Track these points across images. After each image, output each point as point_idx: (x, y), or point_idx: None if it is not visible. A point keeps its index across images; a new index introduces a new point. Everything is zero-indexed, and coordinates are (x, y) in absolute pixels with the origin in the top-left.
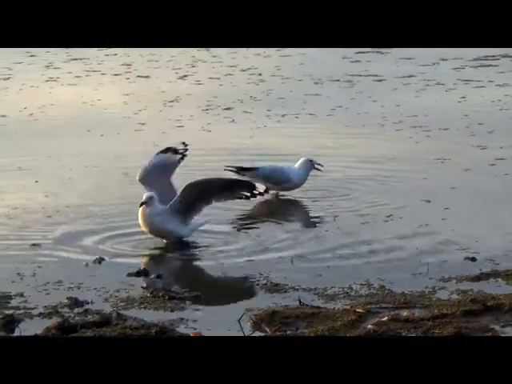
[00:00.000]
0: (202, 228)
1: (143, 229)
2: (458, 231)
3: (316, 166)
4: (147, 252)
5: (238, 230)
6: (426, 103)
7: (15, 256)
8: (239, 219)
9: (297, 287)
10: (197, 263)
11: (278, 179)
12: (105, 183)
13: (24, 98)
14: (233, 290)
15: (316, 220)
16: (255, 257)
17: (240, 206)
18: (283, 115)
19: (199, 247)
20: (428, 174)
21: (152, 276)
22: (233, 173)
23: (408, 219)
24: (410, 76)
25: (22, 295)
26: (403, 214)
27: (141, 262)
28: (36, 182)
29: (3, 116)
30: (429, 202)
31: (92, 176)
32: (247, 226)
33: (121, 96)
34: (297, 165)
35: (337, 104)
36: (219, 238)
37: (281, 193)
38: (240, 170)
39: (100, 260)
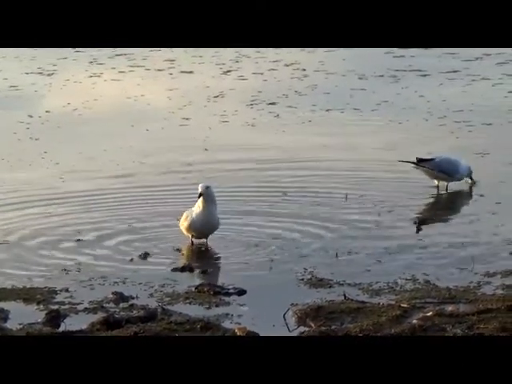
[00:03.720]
0: (246, 223)
1: (191, 228)
2: (506, 226)
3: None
4: (191, 248)
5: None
6: (471, 98)
7: (60, 251)
8: (283, 214)
9: (342, 282)
10: (241, 259)
11: (450, 170)
12: (151, 178)
13: (68, 93)
14: (278, 284)
15: (360, 215)
16: (300, 251)
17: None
18: (328, 110)
19: (242, 243)
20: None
21: (197, 271)
22: (411, 164)
23: (459, 214)
24: (454, 71)
25: (67, 290)
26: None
27: (185, 258)
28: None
29: (47, 111)
30: (482, 196)
31: (139, 172)
32: (290, 221)
33: (164, 91)
34: (461, 158)
35: (382, 99)
36: (263, 233)
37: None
38: (419, 161)
39: (145, 255)
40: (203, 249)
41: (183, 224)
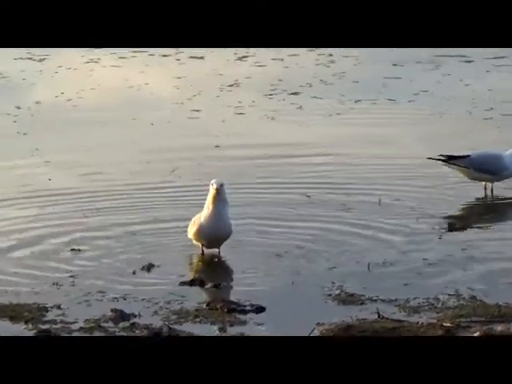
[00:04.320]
0: (264, 229)
1: (200, 234)
2: None
3: None
4: (201, 258)
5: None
6: None
7: (51, 261)
8: (307, 219)
9: (375, 298)
10: (259, 271)
11: (492, 167)
12: (156, 179)
13: (61, 81)
14: (301, 300)
15: (395, 220)
16: (327, 263)
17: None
18: (358, 101)
19: (261, 252)
20: None
21: (208, 285)
22: (441, 162)
23: (508, 219)
24: (501, 57)
25: (59, 307)
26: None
27: (195, 270)
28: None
29: (37, 102)
30: None
31: (142, 171)
32: (315, 227)
33: (171, 79)
34: (509, 151)
35: (420, 88)
36: (284, 240)
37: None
38: (450, 158)
39: (149, 267)
40: (215, 259)
41: (191, 231)
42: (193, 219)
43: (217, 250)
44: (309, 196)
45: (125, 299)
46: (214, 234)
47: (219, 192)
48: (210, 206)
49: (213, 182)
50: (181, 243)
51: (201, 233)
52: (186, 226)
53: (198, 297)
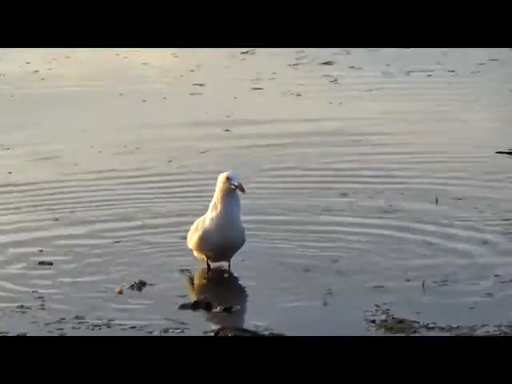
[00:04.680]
0: (286, 236)
1: (204, 243)
2: None
3: None
4: (206, 275)
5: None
6: None
7: (15, 277)
8: (343, 222)
9: (431, 325)
10: (281, 289)
11: None
12: (148, 170)
13: (28, 50)
14: (337, 327)
15: (457, 227)
16: (368, 279)
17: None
18: (409, 72)
19: (280, 264)
20: None
21: (216, 309)
22: (508, 155)
23: None
24: None
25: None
26: None
27: (199, 290)
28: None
29: (1, 75)
30: None
31: (129, 161)
32: (353, 233)
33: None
34: None
35: (488, 56)
36: (314, 249)
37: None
38: None
39: (139, 286)
40: (226, 275)
41: (192, 239)
42: (194, 224)
43: (226, 263)
44: (345, 194)
45: (109, 327)
46: (224, 243)
47: (238, 187)
48: (220, 206)
49: (226, 174)
50: (180, 255)
51: (206, 241)
52: (186, 233)
53: (203, 324)
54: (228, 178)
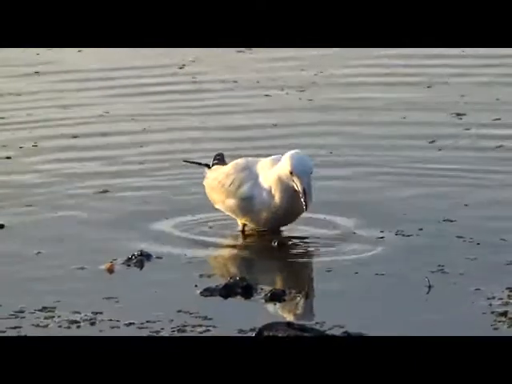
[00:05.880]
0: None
1: (256, 214)
2: None
3: None
4: (242, 242)
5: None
6: None
7: None
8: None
9: None
10: (362, 265)
11: None
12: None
13: None
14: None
15: None
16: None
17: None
18: None
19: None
20: None
21: (260, 295)
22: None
23: None
24: None
25: None
26: None
27: (230, 267)
28: None
29: None
30: None
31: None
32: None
33: None
34: None
35: None
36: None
37: None
38: None
39: (140, 260)
40: (273, 243)
41: (226, 198)
42: (230, 170)
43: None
44: None
45: (92, 324)
46: (282, 219)
47: (307, 199)
48: (277, 196)
49: (293, 168)
50: (198, 209)
51: (254, 211)
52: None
53: (237, 319)
54: (291, 173)
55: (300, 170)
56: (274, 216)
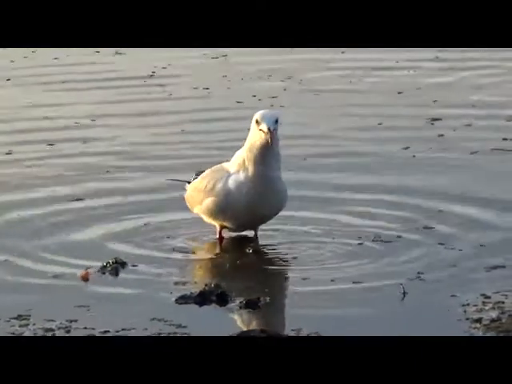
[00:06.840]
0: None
1: (223, 208)
2: None
3: None
4: (219, 249)
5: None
6: None
7: None
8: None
9: None
10: (337, 271)
11: None
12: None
13: None
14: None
15: None
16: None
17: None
18: None
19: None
20: None
21: (234, 302)
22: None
23: None
24: None
25: None
26: None
27: (205, 274)
28: None
29: None
30: None
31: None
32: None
33: None
34: None
35: None
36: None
37: None
38: None
39: (115, 268)
40: (249, 250)
41: (203, 202)
42: (207, 175)
43: (251, 232)
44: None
45: (67, 331)
46: (257, 210)
47: (272, 137)
48: (250, 160)
49: (259, 116)
50: (168, 222)
51: (227, 206)
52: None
53: (212, 325)
54: (257, 121)
55: (265, 115)
56: (250, 204)
